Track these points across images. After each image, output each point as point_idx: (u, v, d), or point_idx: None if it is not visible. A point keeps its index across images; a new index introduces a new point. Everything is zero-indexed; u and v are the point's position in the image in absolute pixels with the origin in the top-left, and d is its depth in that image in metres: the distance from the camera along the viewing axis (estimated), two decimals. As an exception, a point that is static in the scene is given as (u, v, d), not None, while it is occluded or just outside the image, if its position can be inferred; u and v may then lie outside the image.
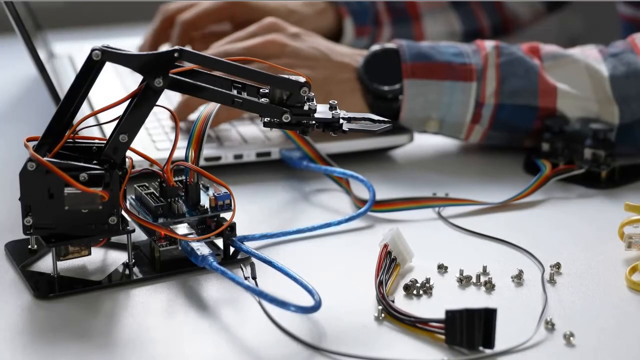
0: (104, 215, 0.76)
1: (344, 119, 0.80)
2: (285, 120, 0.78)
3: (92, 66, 0.76)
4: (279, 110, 0.78)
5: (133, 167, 0.80)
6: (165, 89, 0.76)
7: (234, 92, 0.79)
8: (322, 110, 0.79)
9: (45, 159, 0.74)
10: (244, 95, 0.79)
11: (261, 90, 0.80)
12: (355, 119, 0.80)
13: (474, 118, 1.01)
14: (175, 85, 0.77)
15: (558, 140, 0.99)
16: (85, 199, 0.75)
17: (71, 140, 0.77)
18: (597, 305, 0.77)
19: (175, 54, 0.76)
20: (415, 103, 1.00)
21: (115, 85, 1.13)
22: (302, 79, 0.78)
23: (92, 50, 0.75)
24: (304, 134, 0.80)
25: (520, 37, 1.35)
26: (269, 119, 0.79)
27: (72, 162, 0.75)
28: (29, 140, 0.76)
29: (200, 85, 0.78)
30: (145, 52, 0.76)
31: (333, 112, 0.80)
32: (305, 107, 0.78)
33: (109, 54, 0.75)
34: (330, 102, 0.80)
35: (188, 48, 0.78)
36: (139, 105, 0.76)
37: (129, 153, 0.77)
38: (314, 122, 0.79)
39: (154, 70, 0.75)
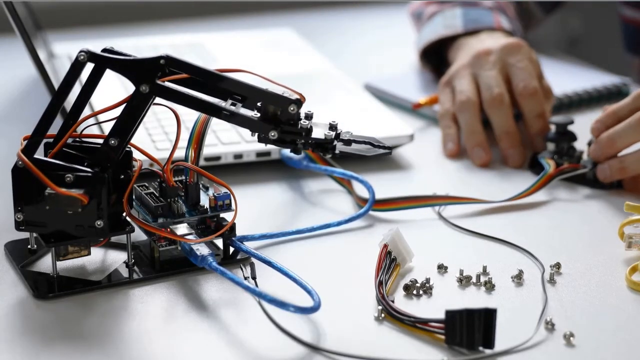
0: (89, 218, 0.75)
1: (343, 140, 0.78)
2: (272, 137, 0.76)
3: (80, 68, 0.75)
4: (265, 127, 0.76)
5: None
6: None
7: (229, 102, 0.77)
8: (319, 130, 0.77)
9: (35, 157, 0.73)
10: (238, 107, 0.76)
11: (259, 104, 0.77)
12: (356, 141, 0.78)
13: None
14: (162, 93, 0.75)
15: (563, 140, 0.99)
16: (65, 200, 0.74)
17: (78, 140, 0.77)
18: (597, 305, 0.76)
19: (161, 61, 0.75)
20: None
21: (115, 85, 1.12)
22: (294, 96, 0.76)
23: (79, 52, 0.75)
24: (295, 153, 0.77)
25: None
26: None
27: (61, 162, 0.75)
28: (25, 139, 0.76)
29: (187, 95, 0.76)
30: (129, 58, 0.75)
31: (326, 132, 0.77)
32: (300, 125, 0.76)
33: (94, 56, 0.75)
34: (331, 122, 0.78)
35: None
36: (129, 110, 0.75)
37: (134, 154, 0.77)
38: (303, 141, 0.77)
39: (139, 75, 0.75)
